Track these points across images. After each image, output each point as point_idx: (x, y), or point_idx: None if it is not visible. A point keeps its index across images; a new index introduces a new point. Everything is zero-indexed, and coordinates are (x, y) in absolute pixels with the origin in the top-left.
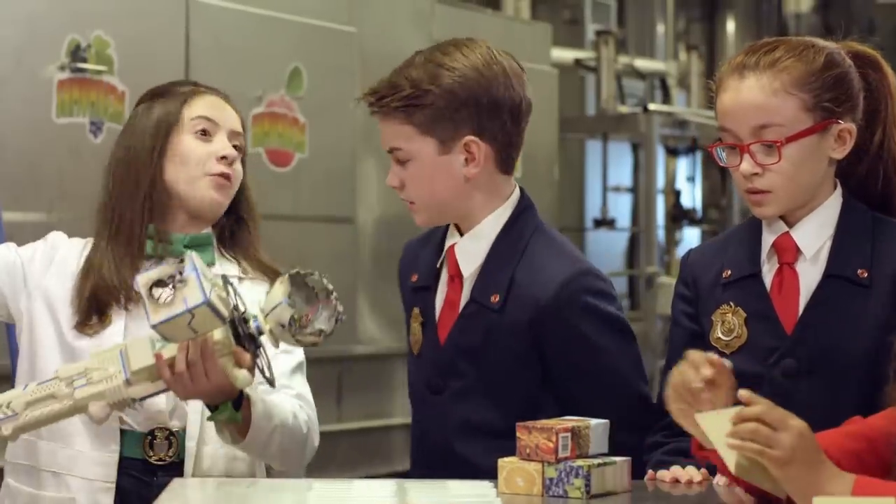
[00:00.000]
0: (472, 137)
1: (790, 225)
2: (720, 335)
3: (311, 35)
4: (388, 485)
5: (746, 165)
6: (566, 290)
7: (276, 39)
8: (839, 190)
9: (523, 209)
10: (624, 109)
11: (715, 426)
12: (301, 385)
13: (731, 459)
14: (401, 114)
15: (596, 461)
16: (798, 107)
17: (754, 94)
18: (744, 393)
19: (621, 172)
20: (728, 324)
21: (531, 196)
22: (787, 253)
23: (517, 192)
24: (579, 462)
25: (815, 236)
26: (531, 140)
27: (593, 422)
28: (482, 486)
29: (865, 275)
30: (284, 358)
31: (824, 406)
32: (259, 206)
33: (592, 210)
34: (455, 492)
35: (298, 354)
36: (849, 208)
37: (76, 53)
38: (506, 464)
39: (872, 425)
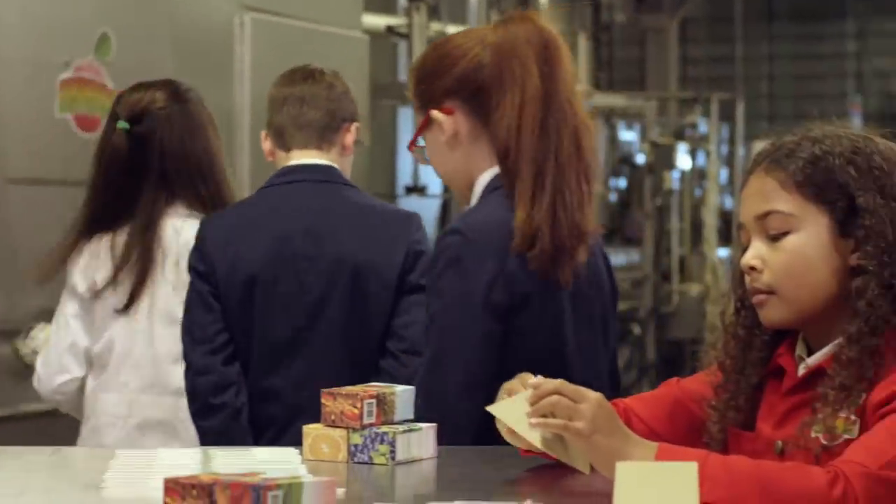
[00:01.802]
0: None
1: None
2: None
3: (119, 0)
4: (194, 452)
5: None
6: None
7: (83, 4)
8: (483, 176)
9: None
10: None
11: (510, 412)
12: None
13: (535, 436)
14: None
15: (401, 427)
16: (416, 109)
17: None
18: (534, 380)
19: None
20: None
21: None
22: None
23: None
24: (384, 428)
25: None
26: None
27: (398, 388)
28: (287, 453)
29: None
30: None
31: None
32: (67, 173)
33: (404, 177)
34: (260, 458)
35: None
36: (484, 193)
37: None
38: (311, 430)
39: (685, 388)
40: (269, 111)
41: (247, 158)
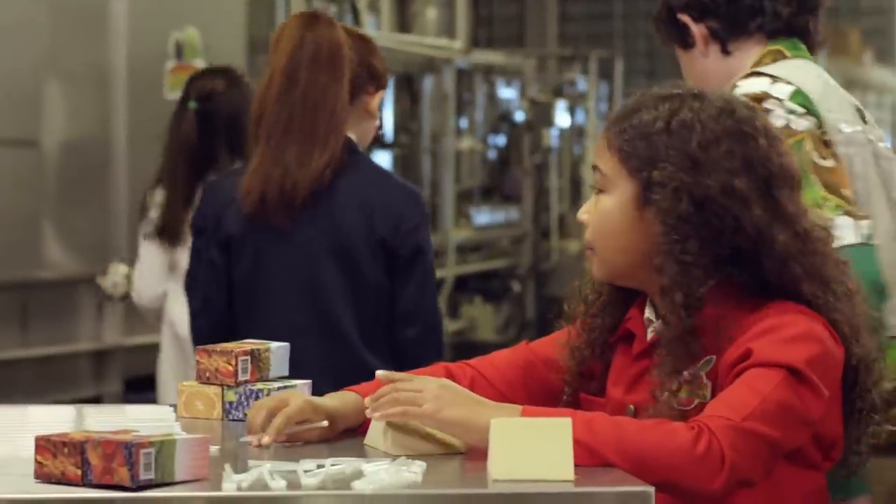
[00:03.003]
0: None
1: None
2: None
3: None
4: (67, 410)
5: None
6: None
7: None
8: None
9: None
10: None
11: (373, 437)
12: None
13: (389, 443)
14: None
15: (276, 384)
16: None
17: None
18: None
19: None
20: None
21: None
22: None
23: None
24: (259, 385)
25: None
26: (219, 62)
27: (273, 345)
28: (161, 411)
29: None
30: None
31: None
32: None
33: None
34: (133, 416)
35: None
36: None
37: None
38: (185, 387)
39: (536, 351)
40: None
41: (123, 115)
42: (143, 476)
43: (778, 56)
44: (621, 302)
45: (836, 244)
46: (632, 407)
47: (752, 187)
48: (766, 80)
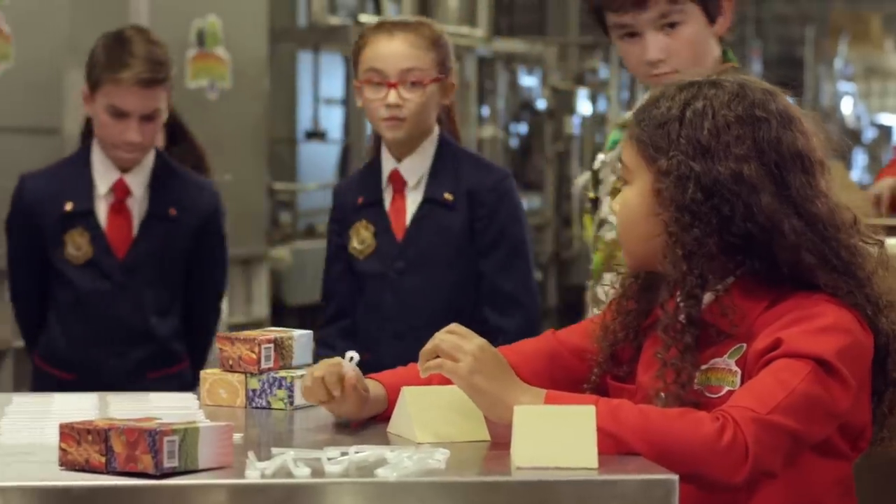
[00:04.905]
0: None
1: (399, 160)
2: (356, 245)
3: None
4: (91, 397)
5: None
6: None
7: None
8: (437, 130)
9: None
10: (335, 21)
11: (399, 424)
12: None
13: (413, 431)
14: None
15: (299, 372)
16: None
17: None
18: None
19: (333, 84)
20: (361, 236)
21: (243, 107)
22: (398, 182)
23: None
24: (282, 373)
25: (415, 169)
26: (241, 51)
27: (296, 332)
28: (185, 398)
29: (451, 197)
30: None
31: (423, 294)
32: None
33: (304, 122)
34: (157, 403)
35: None
36: (441, 144)
37: None
38: (208, 375)
39: (563, 340)
40: None
41: None
42: (167, 464)
43: (735, 72)
44: (656, 288)
45: None
46: (663, 395)
47: (762, 173)
48: None
